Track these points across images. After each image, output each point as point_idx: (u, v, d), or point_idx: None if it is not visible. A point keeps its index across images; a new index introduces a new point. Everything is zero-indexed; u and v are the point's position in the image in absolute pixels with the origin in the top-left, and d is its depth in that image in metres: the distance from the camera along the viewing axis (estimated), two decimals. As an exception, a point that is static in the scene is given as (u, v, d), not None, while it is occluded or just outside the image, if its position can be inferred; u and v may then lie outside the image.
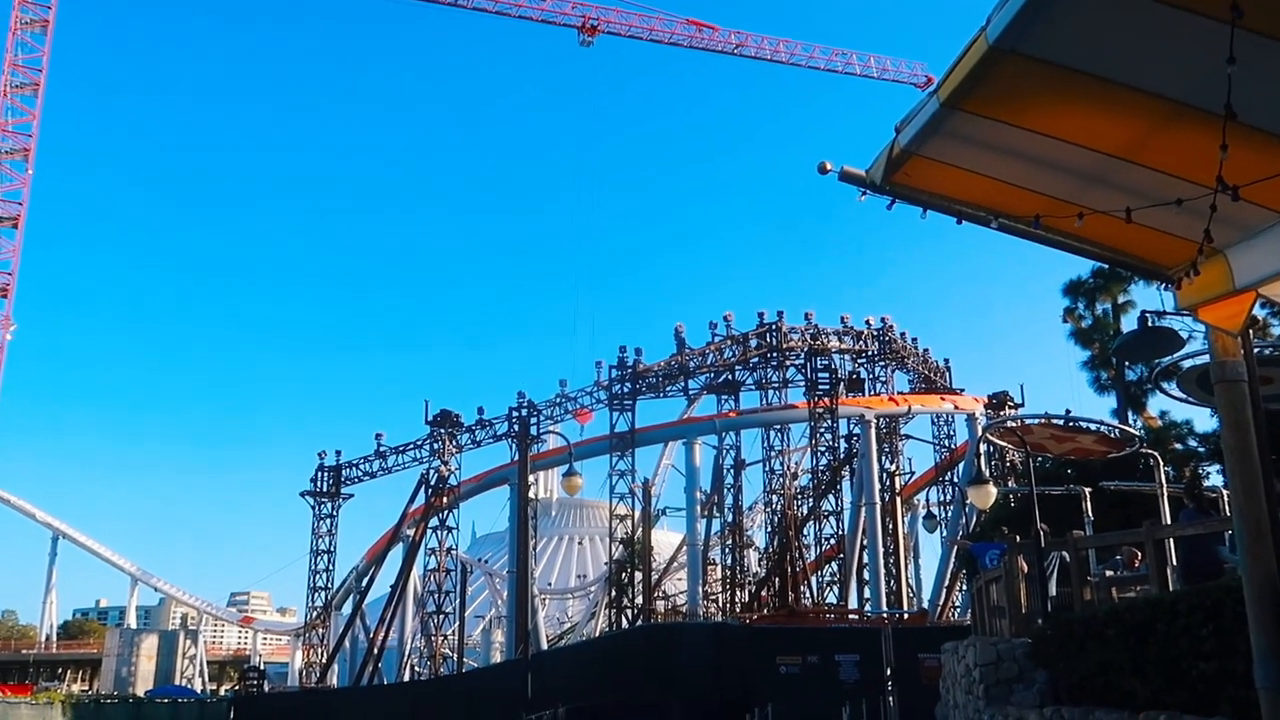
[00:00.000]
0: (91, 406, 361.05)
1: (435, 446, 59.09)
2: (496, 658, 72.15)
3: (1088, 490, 18.92)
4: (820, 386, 52.13)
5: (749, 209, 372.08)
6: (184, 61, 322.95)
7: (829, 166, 6.92)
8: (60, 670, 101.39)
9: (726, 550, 57.58)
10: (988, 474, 24.75)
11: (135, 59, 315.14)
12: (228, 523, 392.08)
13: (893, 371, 61.43)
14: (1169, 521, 15.64)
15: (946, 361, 65.16)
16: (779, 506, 53.70)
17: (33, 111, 74.08)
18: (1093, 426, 18.43)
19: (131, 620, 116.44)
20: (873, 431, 53.99)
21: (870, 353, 59.05)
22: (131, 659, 76.82)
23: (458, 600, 57.90)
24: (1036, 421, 18.17)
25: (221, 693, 78.00)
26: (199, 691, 72.68)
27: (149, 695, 55.24)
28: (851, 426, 55.66)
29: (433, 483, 58.32)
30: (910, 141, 6.03)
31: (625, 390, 54.13)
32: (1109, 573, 15.60)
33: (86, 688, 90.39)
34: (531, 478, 58.44)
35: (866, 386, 57.76)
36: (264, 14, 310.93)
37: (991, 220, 6.58)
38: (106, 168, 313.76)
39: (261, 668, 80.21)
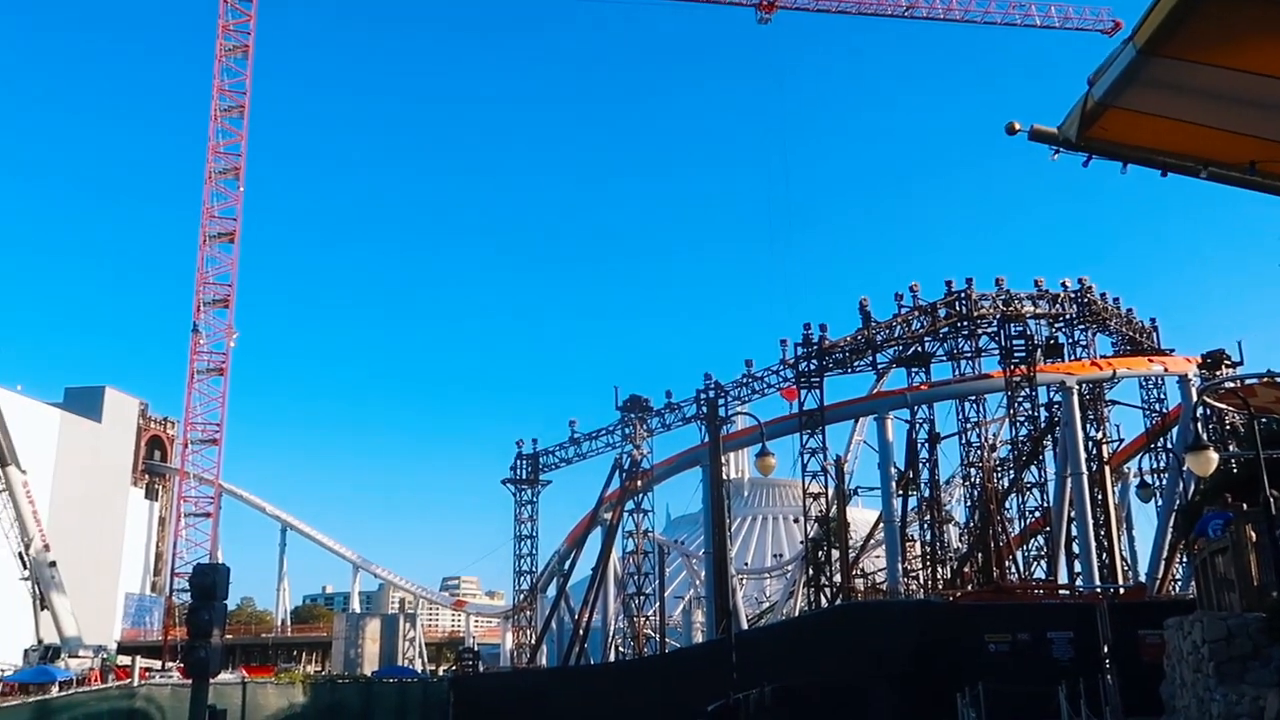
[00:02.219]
0: (309, 406, 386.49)
1: (626, 431, 60.36)
2: (698, 638, 73.10)
3: (1323, 452, 17.48)
4: (1016, 354, 50.06)
5: (930, 176, 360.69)
6: (375, 60, 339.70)
7: (1018, 126, 6.69)
8: (295, 652, 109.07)
9: (925, 526, 56.23)
10: (1206, 438, 23.27)
11: (331, 62, 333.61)
12: (438, 511, 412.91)
13: (1094, 335, 58.37)
14: None
15: (1153, 321, 61.40)
16: (978, 480, 51.95)
17: (240, 132, 79.67)
18: (1326, 382, 17.00)
19: (355, 605, 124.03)
20: (1075, 398, 51.51)
21: (1068, 316, 56.22)
22: (358, 641, 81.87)
23: (657, 581, 59.04)
24: (1258, 380, 16.91)
25: (440, 673, 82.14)
26: (419, 671, 76.81)
27: (376, 675, 58.79)
28: (1051, 394, 53.29)
29: (626, 467, 59.60)
30: (1105, 93, 5.77)
31: (812, 368, 53.52)
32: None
33: (319, 668, 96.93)
34: (722, 458, 58.67)
35: (1066, 352, 55.07)
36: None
37: (1200, 170, 6.22)
38: (311, 169, 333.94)
39: (475, 649, 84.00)
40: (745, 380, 58.25)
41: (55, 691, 46.11)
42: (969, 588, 45.11)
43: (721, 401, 57.82)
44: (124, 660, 65.09)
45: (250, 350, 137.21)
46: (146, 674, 50.87)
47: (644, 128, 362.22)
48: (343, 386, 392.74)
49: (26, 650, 66.34)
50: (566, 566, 71.11)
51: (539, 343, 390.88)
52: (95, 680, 55.36)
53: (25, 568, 65.42)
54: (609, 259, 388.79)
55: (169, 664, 65.60)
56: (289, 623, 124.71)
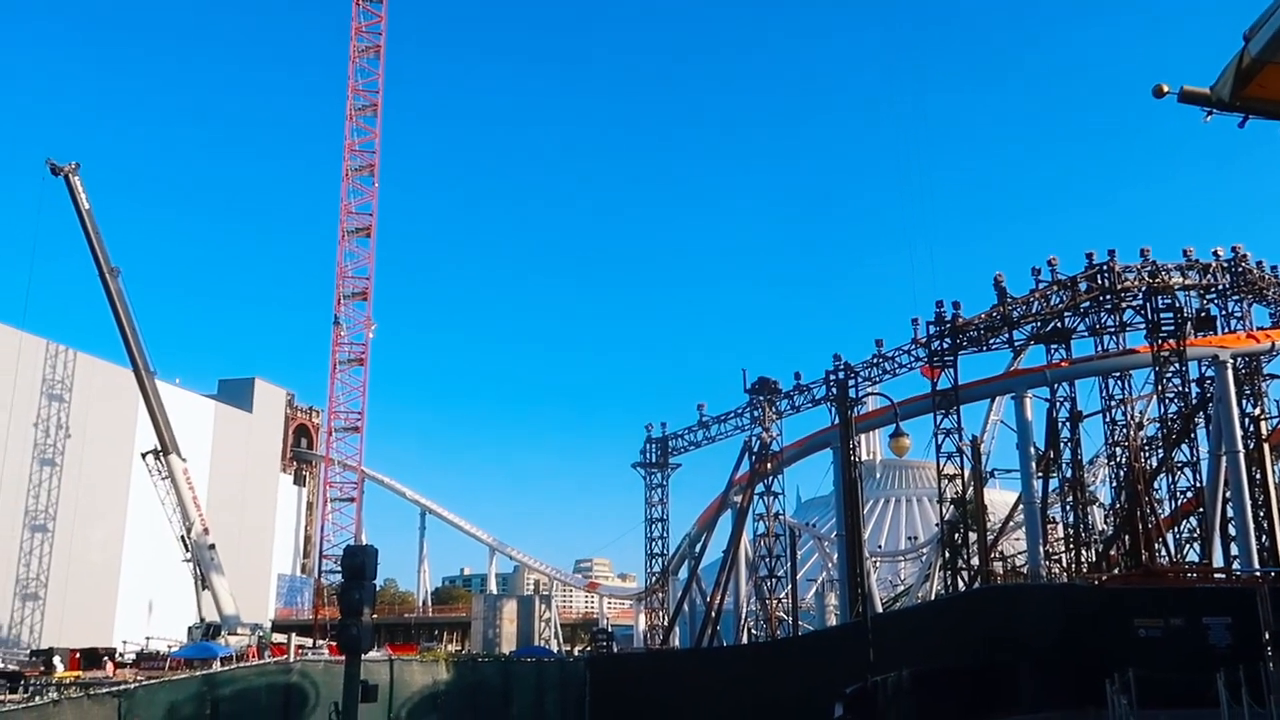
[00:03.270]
0: (446, 393, 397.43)
1: (755, 414, 60.18)
2: (831, 621, 72.52)
3: None
4: (1164, 328, 47.80)
5: (1067, 149, 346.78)
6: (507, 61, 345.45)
7: (1166, 89, 6.44)
8: (435, 632, 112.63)
9: (1067, 508, 54.38)
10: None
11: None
12: (571, 494, 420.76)
13: (1249, 305, 55.28)
14: None
15: (1317, 289, 57.84)
16: (1124, 460, 49.91)
17: (373, 130, 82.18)
18: None
19: (492, 586, 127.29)
20: (1229, 373, 48.97)
21: (1221, 286, 53.43)
22: (495, 622, 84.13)
23: (788, 564, 58.79)
24: None
25: (575, 653, 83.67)
26: (555, 651, 78.41)
27: (514, 654, 60.34)
28: (1203, 369, 50.78)
29: (755, 449, 59.42)
30: (1264, 48, 5.52)
31: (945, 346, 52.29)
32: None
33: (459, 647, 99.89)
34: (853, 440, 57.90)
35: (1219, 324, 52.38)
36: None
37: (1370, 126, 5.88)
38: (441, 173, 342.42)
39: (609, 630, 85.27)
40: (876, 360, 57.31)
41: (217, 666, 48.87)
42: (1116, 571, 43.51)
43: (851, 382, 57.06)
44: (279, 638, 68.30)
45: (388, 340, 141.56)
46: (300, 651, 53.35)
47: (773, 106, 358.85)
48: (477, 373, 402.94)
49: (190, 628, 70.43)
50: (697, 549, 71.41)
51: (667, 326, 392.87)
52: (253, 656, 58.26)
53: (187, 550, 69.26)
54: (736, 240, 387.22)
55: (319, 641, 68.64)
56: (429, 603, 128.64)
